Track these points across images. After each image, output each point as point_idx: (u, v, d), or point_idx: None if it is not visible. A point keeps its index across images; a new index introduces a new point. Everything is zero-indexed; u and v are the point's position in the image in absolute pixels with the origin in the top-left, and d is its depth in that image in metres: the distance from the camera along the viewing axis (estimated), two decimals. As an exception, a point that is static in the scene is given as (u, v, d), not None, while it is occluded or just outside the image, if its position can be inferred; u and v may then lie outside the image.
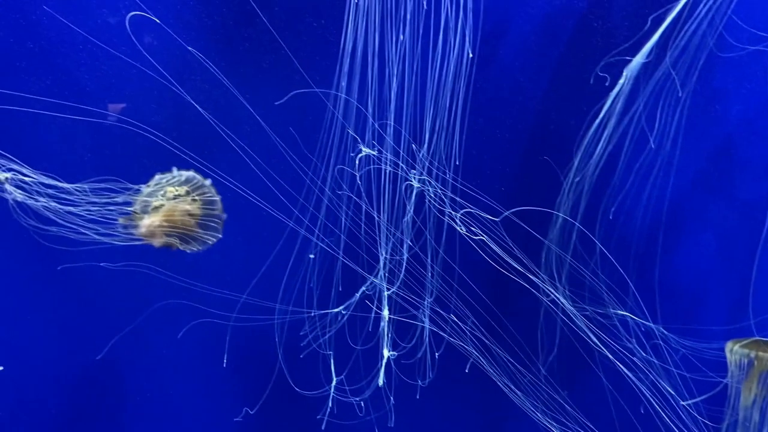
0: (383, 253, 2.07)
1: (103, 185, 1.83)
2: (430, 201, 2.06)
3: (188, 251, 1.90)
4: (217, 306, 2.12)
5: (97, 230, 1.82)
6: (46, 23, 1.96)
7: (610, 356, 2.02)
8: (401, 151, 2.04)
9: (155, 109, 2.04)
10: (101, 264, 1.96)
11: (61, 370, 2.28)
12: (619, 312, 2.16)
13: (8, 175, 1.70)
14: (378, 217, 2.05)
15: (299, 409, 2.25)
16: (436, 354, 2.16)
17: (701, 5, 1.97)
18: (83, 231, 1.81)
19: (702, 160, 2.31)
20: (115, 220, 1.84)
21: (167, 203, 1.84)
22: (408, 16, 1.96)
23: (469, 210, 2.04)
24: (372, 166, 2.06)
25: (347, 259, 2.09)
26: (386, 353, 2.12)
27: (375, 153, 2.04)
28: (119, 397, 2.33)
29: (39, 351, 2.24)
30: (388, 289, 2.09)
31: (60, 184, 1.79)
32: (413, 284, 2.11)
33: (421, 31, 1.98)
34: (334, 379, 2.16)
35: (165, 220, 1.83)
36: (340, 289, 2.14)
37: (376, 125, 2.02)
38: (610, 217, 2.23)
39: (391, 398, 2.18)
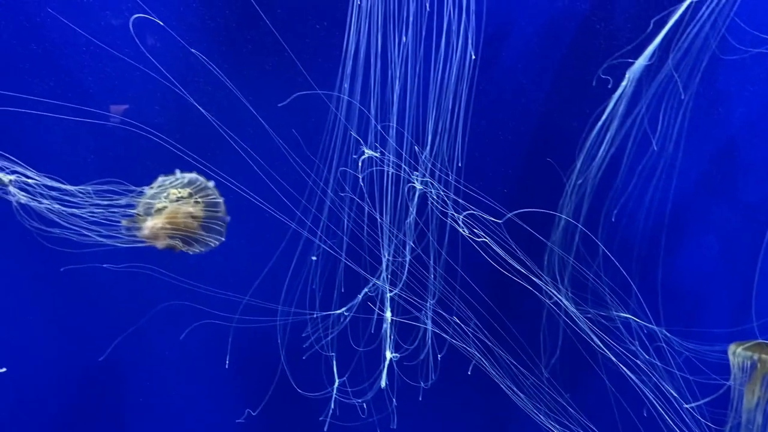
0: (386, 254, 2.07)
1: (106, 187, 1.84)
2: (432, 203, 2.06)
3: (191, 253, 1.90)
4: (220, 307, 2.12)
5: (100, 232, 1.82)
6: (50, 25, 1.96)
7: (614, 359, 2.01)
8: (404, 153, 2.04)
9: (158, 111, 2.04)
10: (104, 265, 1.97)
11: (64, 371, 2.28)
12: (622, 314, 2.16)
13: (12, 177, 1.71)
14: (380, 218, 2.05)
15: (301, 410, 2.25)
16: (439, 356, 2.16)
17: (704, 8, 1.97)
18: (86, 233, 1.81)
19: (705, 162, 2.31)
20: (119, 222, 1.84)
21: (170, 205, 1.84)
22: (411, 18, 1.96)
23: (472, 212, 2.04)
24: (375, 168, 2.06)
25: (350, 260, 2.10)
26: (389, 355, 2.12)
27: (377, 155, 2.04)
28: (122, 398, 2.34)
29: (42, 352, 2.25)
30: (391, 291, 2.09)
31: (63, 186, 1.79)
32: (416, 286, 2.11)
33: (423, 33, 1.98)
34: (337, 380, 2.16)
35: (168, 222, 1.83)
36: (343, 290, 2.14)
37: (379, 127, 2.03)
38: (613, 220, 2.23)
39: (394, 400, 2.18)
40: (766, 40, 2.10)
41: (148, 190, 1.88)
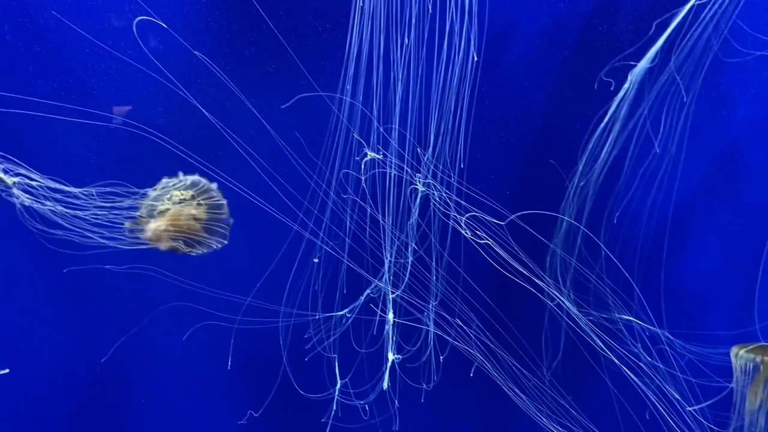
0: (388, 256, 2.07)
1: (109, 189, 1.84)
2: (435, 204, 2.06)
3: (194, 254, 1.91)
4: (222, 308, 2.13)
5: (103, 234, 1.82)
6: (54, 27, 1.97)
7: (616, 361, 2.01)
8: (406, 155, 2.04)
9: (161, 113, 2.04)
10: (107, 267, 1.97)
11: (67, 371, 2.29)
12: (624, 317, 2.16)
13: (16, 179, 1.71)
14: (383, 220, 2.05)
15: (304, 412, 2.25)
16: (441, 357, 2.16)
17: (706, 10, 1.97)
18: (90, 235, 1.82)
19: (707, 164, 2.31)
20: (121, 224, 1.84)
21: (173, 207, 1.85)
22: (413, 20, 1.96)
23: (475, 214, 2.04)
24: (377, 170, 2.06)
25: (352, 262, 2.10)
26: (391, 356, 2.12)
27: (380, 157, 2.04)
28: (124, 399, 2.34)
29: (45, 353, 2.25)
30: (393, 293, 2.09)
31: (66, 188, 1.79)
32: (418, 288, 2.11)
33: (426, 35, 1.98)
34: (339, 382, 2.16)
35: (170, 224, 1.83)
36: (345, 292, 2.14)
37: (381, 129, 2.03)
38: (615, 222, 2.22)
39: (396, 402, 2.18)
40: (769, 43, 2.10)
41: (151, 192, 1.88)
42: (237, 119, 2.02)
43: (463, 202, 2.05)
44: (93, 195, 1.77)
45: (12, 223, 1.82)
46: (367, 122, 2.03)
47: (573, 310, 2.09)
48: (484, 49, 2.02)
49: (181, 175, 1.89)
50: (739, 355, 1.86)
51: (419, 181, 2.05)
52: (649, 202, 2.24)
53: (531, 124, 2.23)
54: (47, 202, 1.76)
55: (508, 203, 2.08)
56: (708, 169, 2.31)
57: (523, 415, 2.16)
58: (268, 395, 2.23)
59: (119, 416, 2.36)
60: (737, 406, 1.95)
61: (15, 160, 1.77)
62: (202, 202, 1.88)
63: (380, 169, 2.05)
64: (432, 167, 2.05)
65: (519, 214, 2.05)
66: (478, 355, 2.12)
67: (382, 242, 2.07)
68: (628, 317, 2.15)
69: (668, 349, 2.16)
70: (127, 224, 1.84)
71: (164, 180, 1.89)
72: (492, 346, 2.14)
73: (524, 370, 2.17)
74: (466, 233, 2.02)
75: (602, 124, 2.09)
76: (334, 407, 2.17)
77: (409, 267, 2.09)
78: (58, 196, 1.78)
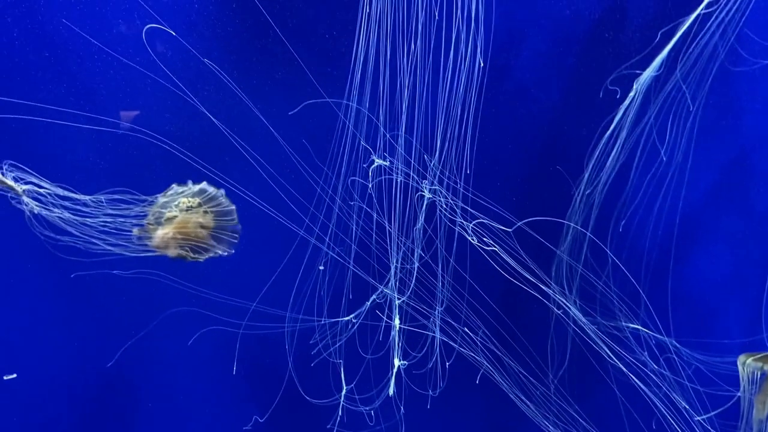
0: (394, 262, 2.07)
1: (117, 196, 1.85)
2: (441, 211, 2.06)
3: (202, 260, 1.91)
4: (228, 314, 2.13)
5: (111, 241, 1.83)
6: (63, 33, 1.97)
7: (624, 368, 2.01)
8: (412, 161, 2.05)
9: (169, 119, 2.05)
10: (114, 272, 1.98)
11: (73, 376, 2.29)
12: (631, 325, 2.15)
13: (26, 187, 1.72)
14: (389, 226, 2.05)
15: (309, 417, 2.25)
16: (447, 364, 2.16)
17: (712, 19, 1.97)
18: (98, 242, 1.82)
19: (714, 172, 2.31)
20: (130, 231, 1.85)
21: (180, 215, 1.85)
22: (420, 27, 1.96)
23: (482, 220, 2.04)
24: (384, 177, 2.06)
25: (358, 268, 2.10)
26: (397, 362, 2.12)
27: (387, 164, 2.05)
28: (129, 404, 2.34)
29: (51, 358, 2.25)
30: (399, 299, 2.09)
31: (75, 196, 1.80)
32: (424, 294, 2.12)
33: (432, 42, 1.98)
34: (344, 387, 2.16)
35: (178, 231, 1.84)
36: (351, 297, 2.14)
37: (388, 135, 2.03)
38: (620, 230, 2.22)
39: (402, 408, 2.18)
40: (776, 51, 2.10)
41: (160, 198, 1.88)
42: (244, 125, 2.02)
43: (469, 209, 2.06)
44: (102, 202, 1.78)
45: (20, 229, 1.83)
46: (373, 129, 2.04)
47: (580, 317, 2.09)
48: (491, 56, 2.02)
49: (190, 183, 1.90)
50: (747, 364, 1.86)
51: (425, 188, 2.05)
52: (655, 209, 2.24)
53: (537, 131, 2.23)
54: (56, 210, 1.77)
55: (514, 210, 2.08)
56: (715, 176, 2.31)
57: (529, 422, 2.16)
58: (273, 401, 2.23)
59: (125, 421, 2.36)
60: (745, 415, 1.94)
61: (24, 168, 1.78)
62: (208, 209, 1.88)
63: (387, 176, 2.06)
64: (438, 173, 2.05)
65: (526, 221, 2.05)
66: (484, 361, 2.12)
67: (388, 248, 2.07)
68: (635, 326, 2.15)
69: (675, 358, 2.15)
70: (136, 231, 1.85)
71: (174, 186, 1.90)
72: (498, 352, 2.14)
73: (530, 377, 2.17)
74: (473, 240, 2.02)
75: (608, 132, 2.09)
76: (340, 413, 2.17)
77: (415, 273, 2.09)
78: (67, 203, 1.79)
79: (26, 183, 1.73)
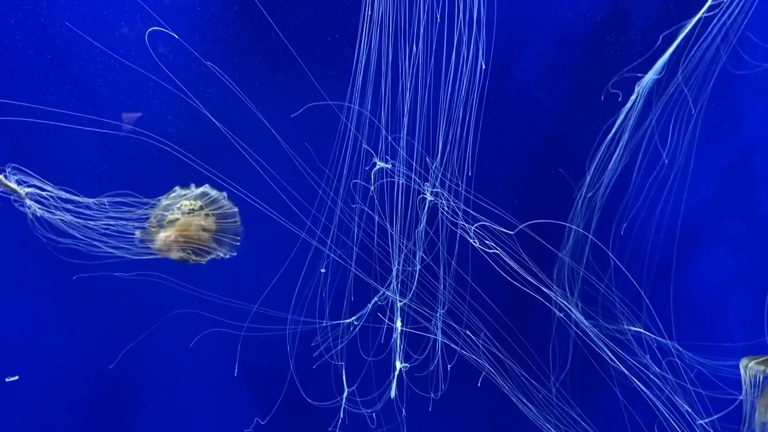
0: (396, 264, 2.07)
1: (119, 199, 1.85)
2: (443, 213, 2.06)
3: (204, 263, 1.91)
4: (230, 316, 2.13)
5: (113, 244, 1.83)
6: (65, 35, 1.97)
7: (626, 371, 2.01)
8: (414, 164, 2.05)
9: (171, 121, 2.05)
10: (115, 274, 1.98)
11: (75, 378, 2.29)
12: (633, 328, 2.15)
13: (29, 190, 1.72)
14: (390, 228, 2.05)
15: (310, 420, 2.25)
16: (449, 366, 2.16)
17: (714, 22, 1.97)
18: (100, 245, 1.83)
19: (716, 174, 2.31)
20: (131, 233, 1.85)
21: (182, 217, 1.85)
22: (421, 30, 1.96)
23: (483, 223, 2.04)
24: (386, 179, 2.06)
25: (359, 270, 2.10)
26: (398, 365, 2.12)
27: (389, 166, 2.05)
28: (131, 405, 2.34)
29: (53, 360, 2.25)
30: (401, 301, 2.09)
31: (77, 199, 1.80)
32: (426, 296, 2.11)
33: (434, 44, 1.98)
34: (346, 390, 2.16)
35: (180, 234, 1.84)
36: (353, 299, 2.14)
37: (390, 138, 2.03)
38: (622, 233, 2.22)
39: (403, 410, 2.18)
40: (778, 54, 2.10)
41: (163, 200, 1.89)
42: (246, 128, 2.02)
43: (471, 211, 2.06)
44: (105, 205, 1.78)
45: (23, 231, 1.83)
46: (375, 131, 2.04)
47: (582, 320, 2.09)
48: (493, 57, 2.02)
49: (193, 186, 1.90)
50: (749, 367, 1.86)
51: (427, 190, 2.05)
52: (657, 212, 2.24)
53: (539, 134, 2.24)
54: (58, 212, 1.77)
55: (515, 212, 2.08)
56: (717, 179, 2.31)
57: (531, 425, 2.15)
58: (275, 403, 2.23)
59: (126, 423, 2.36)
60: (747, 419, 1.94)
61: (27, 171, 1.78)
62: (210, 212, 1.88)
63: (389, 179, 2.06)
64: (440, 176, 2.05)
65: (528, 223, 2.05)
66: (486, 364, 2.12)
67: (390, 250, 2.07)
68: (637, 329, 2.15)
69: (678, 361, 2.15)
70: (138, 234, 1.85)
71: (176, 189, 1.90)
72: (500, 355, 2.14)
73: (532, 380, 2.17)
74: (474, 242, 2.02)
75: (610, 135, 2.09)
76: (341, 415, 2.17)
77: (417, 275, 2.09)
78: (69, 206, 1.79)
79: (29, 186, 1.73)
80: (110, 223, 1.82)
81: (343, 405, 2.16)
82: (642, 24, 2.14)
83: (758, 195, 2.32)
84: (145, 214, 1.87)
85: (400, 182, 2.05)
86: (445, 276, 2.11)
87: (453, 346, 2.13)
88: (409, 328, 2.12)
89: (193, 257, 1.87)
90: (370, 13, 1.94)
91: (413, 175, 2.05)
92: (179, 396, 2.35)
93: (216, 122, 1.98)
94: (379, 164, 2.04)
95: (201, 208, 1.88)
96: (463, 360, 2.14)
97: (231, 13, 2.04)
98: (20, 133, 1.98)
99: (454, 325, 2.12)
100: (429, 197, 2.05)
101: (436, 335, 2.12)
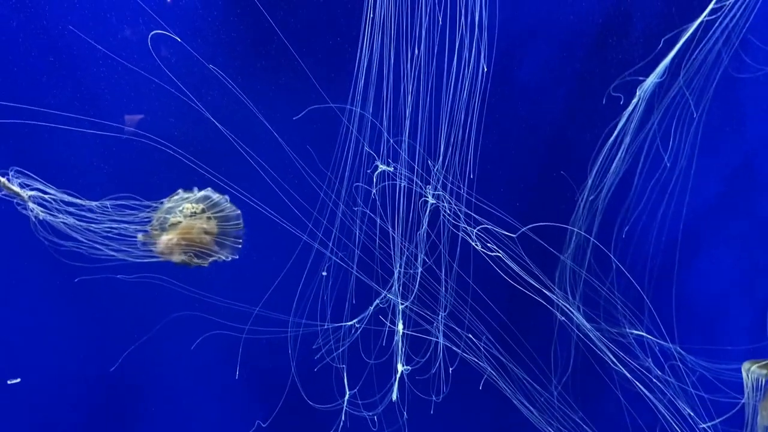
0: (397, 267, 2.07)
1: (122, 202, 1.85)
2: (444, 216, 2.06)
3: (206, 265, 1.91)
4: (231, 318, 2.13)
5: (116, 247, 1.83)
6: (68, 38, 1.98)
7: (628, 375, 2.01)
8: (416, 166, 2.05)
9: (174, 124, 2.06)
10: (117, 276, 1.98)
11: (77, 380, 2.29)
12: (635, 332, 2.15)
13: (32, 193, 1.72)
14: (392, 231, 2.06)
15: (312, 422, 2.25)
16: (450, 369, 2.16)
17: (715, 26, 1.97)
18: (103, 248, 1.83)
19: (718, 177, 2.31)
20: (134, 236, 1.85)
21: (184, 220, 1.86)
22: (423, 33, 1.97)
23: (486, 226, 2.04)
24: (387, 182, 2.07)
25: (361, 273, 2.10)
26: (400, 368, 2.12)
27: (391, 169, 2.05)
28: (132, 408, 2.34)
29: (54, 362, 2.25)
30: (402, 304, 2.09)
31: (80, 202, 1.80)
32: (427, 299, 2.11)
33: (436, 47, 1.98)
34: (347, 393, 2.16)
35: (182, 237, 1.84)
36: (354, 302, 2.14)
37: (392, 141, 2.03)
38: (623, 236, 2.22)
39: (405, 413, 2.18)
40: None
41: (165, 203, 1.89)
42: (248, 130, 2.03)
43: (473, 214, 2.06)
44: (107, 208, 1.78)
45: (25, 234, 1.83)
46: (377, 134, 2.04)
47: (584, 323, 2.09)
48: (495, 61, 2.03)
49: (195, 189, 1.90)
50: (751, 371, 1.85)
51: (429, 193, 2.05)
52: (659, 215, 2.24)
53: (541, 137, 2.24)
54: (60, 215, 1.77)
55: (517, 215, 2.08)
56: (719, 182, 2.31)
57: (533, 428, 2.15)
58: (276, 405, 2.23)
59: (128, 425, 2.36)
60: (749, 422, 1.94)
61: (30, 174, 1.78)
62: (211, 216, 1.89)
63: (390, 181, 2.06)
64: (442, 179, 2.05)
65: (530, 226, 2.05)
66: (488, 367, 2.12)
67: (392, 253, 2.07)
68: (639, 332, 2.15)
69: (680, 364, 2.15)
70: (140, 237, 1.85)
71: (180, 192, 1.90)
72: (502, 358, 2.14)
73: (534, 383, 2.17)
74: (476, 245, 2.02)
75: (612, 138, 2.09)
76: (343, 418, 2.17)
77: (419, 278, 2.09)
78: (71, 209, 1.79)
79: (32, 189, 1.73)
80: (113, 226, 1.82)
81: (344, 408, 2.16)
82: (644, 27, 2.14)
83: (760, 198, 2.32)
84: (147, 217, 1.87)
85: (402, 185, 2.05)
86: (447, 279, 2.11)
87: (455, 348, 2.12)
88: (411, 331, 2.12)
89: (195, 260, 1.87)
90: (372, 15, 1.94)
91: (415, 178, 2.05)
92: (181, 398, 2.35)
93: (218, 125, 1.99)
94: (381, 167, 2.05)
95: (203, 211, 1.88)
96: (465, 363, 2.14)
97: (233, 16, 2.04)
98: (23, 136, 1.98)
99: (456, 328, 2.12)
100: (431, 200, 2.05)
101: (437, 338, 2.12)
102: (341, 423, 2.17)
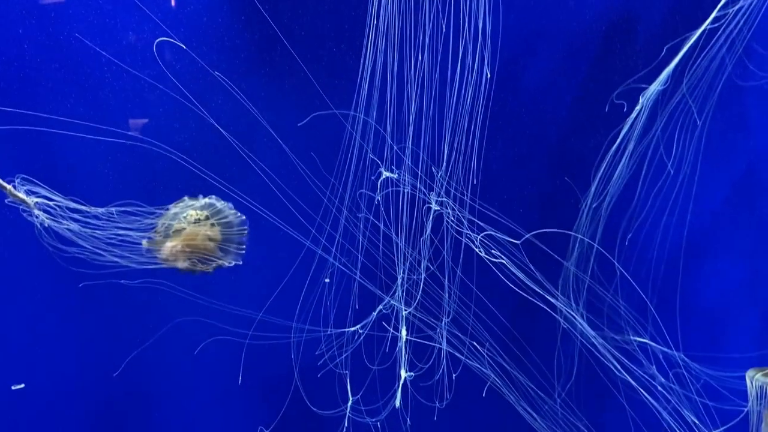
0: (401, 272, 2.07)
1: (127, 209, 1.85)
2: (448, 222, 2.06)
3: (210, 271, 1.92)
4: (234, 324, 2.13)
5: (120, 253, 1.84)
6: (73, 44, 1.98)
7: (632, 382, 2.00)
8: (419, 173, 2.05)
9: (178, 130, 2.06)
10: (121, 281, 1.98)
11: (79, 386, 2.29)
12: (639, 339, 2.15)
13: (37, 200, 1.73)
14: (395, 236, 2.06)
15: (315, 428, 2.24)
16: (454, 375, 2.16)
17: (719, 33, 1.98)
18: (107, 255, 1.83)
19: (723, 185, 2.31)
20: (138, 242, 1.86)
21: (189, 227, 1.86)
22: (427, 39, 1.97)
23: (490, 233, 2.05)
24: (391, 189, 2.07)
25: (364, 278, 2.10)
26: (403, 374, 2.12)
27: (395, 176, 2.05)
28: (135, 413, 2.34)
29: (58, 367, 2.25)
30: (406, 310, 2.09)
31: (85, 208, 1.81)
32: (431, 305, 2.12)
33: (440, 54, 1.99)
34: (351, 399, 2.16)
35: (186, 244, 1.84)
36: (357, 308, 2.14)
37: (395, 147, 2.04)
38: (626, 243, 2.22)
39: (408, 420, 2.18)
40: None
41: (171, 208, 1.89)
42: (252, 137, 2.03)
43: (476, 220, 2.06)
44: (113, 214, 1.79)
45: (29, 240, 1.84)
46: (380, 140, 2.05)
47: (588, 330, 2.09)
48: (498, 67, 2.03)
49: (200, 197, 1.91)
50: (756, 379, 1.85)
51: (433, 200, 2.05)
52: (663, 222, 2.24)
53: (544, 143, 2.24)
54: (65, 222, 1.78)
55: (521, 221, 2.09)
56: (723, 189, 2.31)
57: (536, 435, 2.15)
58: (279, 411, 2.22)
59: (130, 430, 2.36)
60: (754, 430, 1.93)
61: (35, 181, 1.79)
62: (215, 222, 1.89)
63: (394, 188, 2.06)
64: (445, 185, 2.06)
65: (534, 233, 2.05)
66: (491, 374, 2.12)
67: (395, 259, 2.08)
68: (643, 339, 2.15)
69: (684, 372, 2.15)
70: (145, 243, 1.86)
71: (185, 199, 1.91)
72: (505, 365, 2.14)
73: (538, 390, 2.16)
74: (480, 251, 2.03)
75: (615, 145, 2.10)
76: (346, 424, 2.17)
77: (422, 284, 2.09)
78: (77, 216, 1.79)
79: (38, 196, 1.74)
80: (118, 233, 1.83)
81: (347, 414, 2.16)
82: (647, 35, 2.14)
83: (764, 204, 2.32)
84: (152, 224, 1.87)
85: (406, 191, 2.05)
86: (450, 285, 2.11)
87: (458, 355, 2.12)
88: (414, 337, 2.12)
89: (200, 266, 1.87)
90: (375, 22, 1.95)
91: (419, 184, 2.05)
92: (183, 404, 2.35)
93: (222, 131, 1.99)
94: (385, 174, 2.05)
95: (207, 218, 1.89)
96: (468, 369, 2.13)
97: (238, 23, 2.05)
98: (28, 142, 1.99)
99: (459, 335, 2.12)
100: (434, 206, 2.05)
101: (441, 344, 2.12)
102: (344, 429, 2.17)
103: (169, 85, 1.98)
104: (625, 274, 2.16)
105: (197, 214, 1.87)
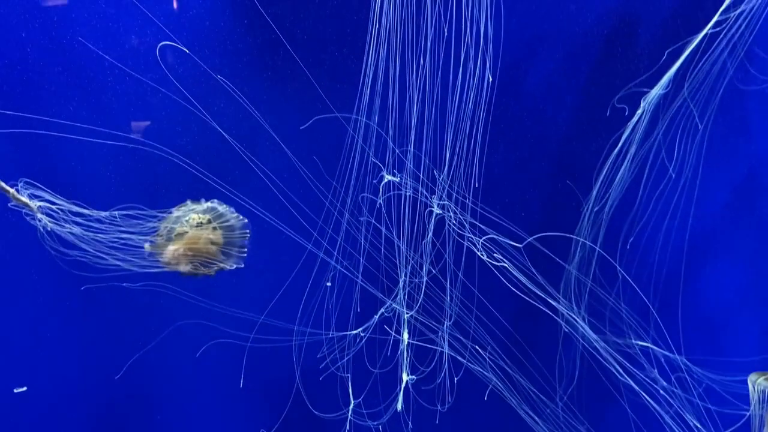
0: (403, 276, 2.07)
1: (129, 212, 1.86)
2: (450, 226, 2.07)
3: (212, 274, 1.92)
4: (236, 327, 2.13)
5: (122, 257, 1.84)
6: (76, 48, 1.99)
7: (635, 386, 2.00)
8: (421, 176, 2.05)
9: (180, 134, 2.07)
10: (123, 284, 1.98)
11: (81, 389, 2.29)
12: (641, 343, 2.15)
13: (39, 203, 1.73)
14: (397, 240, 2.06)
15: (316, 431, 2.25)
16: (456, 379, 2.16)
17: (720, 37, 1.98)
18: (110, 258, 1.83)
19: (723, 188, 2.31)
20: (140, 246, 1.86)
21: (191, 231, 1.86)
22: (429, 43, 1.98)
23: (492, 236, 2.05)
24: (393, 192, 2.07)
25: (366, 282, 2.10)
26: (405, 377, 2.12)
27: (397, 179, 2.05)
28: (137, 416, 2.34)
29: (59, 370, 2.26)
30: (408, 313, 2.09)
31: (88, 212, 1.81)
32: (432, 308, 2.12)
33: (441, 58, 1.99)
34: (352, 402, 2.16)
35: (188, 247, 1.85)
36: (359, 311, 2.14)
37: (397, 151, 2.04)
38: (628, 247, 2.23)
39: (410, 423, 2.18)
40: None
41: (174, 212, 1.90)
42: (254, 140, 2.04)
43: (478, 223, 2.06)
44: (116, 218, 1.79)
45: (30, 242, 1.84)
46: (382, 144, 2.05)
47: (590, 333, 2.09)
48: (500, 71, 2.03)
49: (203, 200, 1.91)
50: (758, 383, 1.85)
51: (435, 203, 2.06)
52: (664, 226, 2.25)
53: (546, 147, 2.24)
54: (67, 225, 1.78)
55: (523, 225, 2.09)
56: (724, 193, 2.31)
57: (538, 438, 2.15)
58: (281, 414, 2.22)
59: (132, 434, 2.36)
60: (756, 434, 1.93)
61: (38, 185, 1.79)
62: (217, 226, 1.89)
63: (396, 191, 2.07)
64: (447, 188, 2.06)
65: (536, 236, 2.05)
66: (493, 377, 2.12)
67: (397, 262, 2.08)
68: (644, 343, 2.15)
69: (686, 376, 2.15)
70: (147, 247, 1.86)
71: (188, 202, 1.91)
72: (507, 368, 2.14)
73: (540, 394, 2.16)
74: (482, 255, 2.03)
75: (617, 148, 2.10)
76: (348, 427, 2.17)
77: (424, 287, 2.09)
78: (80, 219, 1.80)
79: (41, 200, 1.74)
80: (121, 236, 1.83)
81: (349, 417, 2.16)
82: (648, 39, 2.15)
83: (766, 209, 2.32)
84: (154, 227, 1.88)
85: (408, 194, 2.06)
86: (452, 288, 2.11)
87: (460, 358, 2.12)
88: (416, 341, 2.12)
89: (202, 269, 1.87)
90: (377, 26, 1.95)
91: (420, 188, 2.06)
92: (185, 407, 2.35)
93: (225, 134, 2.00)
94: (387, 177, 2.05)
95: (209, 221, 1.89)
96: (470, 373, 2.13)
97: (240, 26, 2.06)
98: (31, 146, 1.99)
99: (461, 338, 2.12)
100: (436, 210, 2.06)
101: (442, 348, 2.12)
102: (346, 432, 2.17)
103: (172, 88, 1.98)
104: (627, 277, 2.17)
105: (199, 218, 1.87)
